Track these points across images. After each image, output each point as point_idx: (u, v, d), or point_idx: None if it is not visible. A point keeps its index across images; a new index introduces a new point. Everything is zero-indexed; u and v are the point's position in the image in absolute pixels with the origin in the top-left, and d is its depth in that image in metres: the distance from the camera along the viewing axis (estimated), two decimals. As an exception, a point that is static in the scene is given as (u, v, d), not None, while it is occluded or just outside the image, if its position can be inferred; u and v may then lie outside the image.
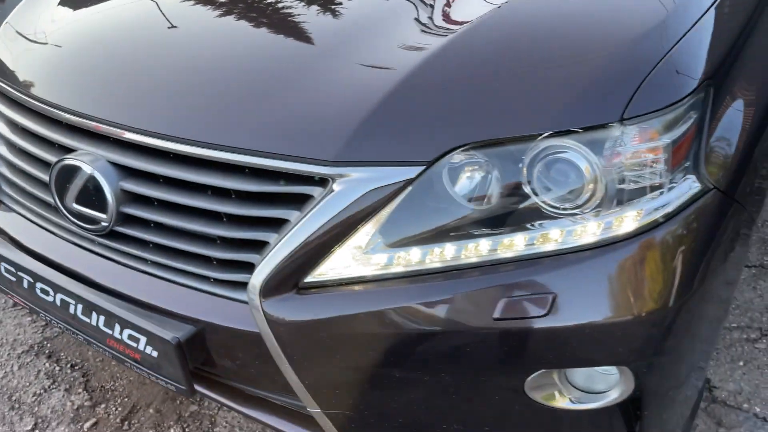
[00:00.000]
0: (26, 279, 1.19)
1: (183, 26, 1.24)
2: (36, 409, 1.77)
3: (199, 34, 1.19)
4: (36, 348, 1.98)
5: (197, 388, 1.14)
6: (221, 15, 1.23)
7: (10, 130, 1.28)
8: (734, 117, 1.03)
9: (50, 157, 1.15)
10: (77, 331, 1.17)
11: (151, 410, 1.77)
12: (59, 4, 1.46)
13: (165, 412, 1.76)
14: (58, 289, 1.14)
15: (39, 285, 1.17)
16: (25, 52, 1.34)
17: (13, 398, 1.81)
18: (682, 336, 0.98)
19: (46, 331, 2.04)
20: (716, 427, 1.69)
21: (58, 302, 1.16)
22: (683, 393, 1.14)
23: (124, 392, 1.83)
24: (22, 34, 1.40)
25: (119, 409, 1.77)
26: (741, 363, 1.89)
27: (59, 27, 1.37)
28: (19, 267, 1.19)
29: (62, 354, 1.96)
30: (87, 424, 1.73)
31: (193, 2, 1.30)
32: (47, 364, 1.92)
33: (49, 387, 1.84)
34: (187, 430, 1.70)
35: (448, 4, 1.13)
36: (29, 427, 1.72)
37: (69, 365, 1.92)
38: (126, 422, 1.74)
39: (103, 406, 1.79)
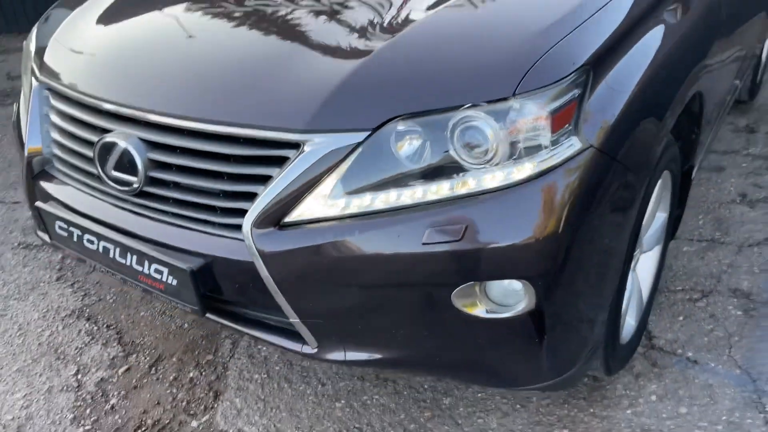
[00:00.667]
0: (76, 232, 1.53)
1: (191, 34, 1.58)
2: (78, 359, 2.12)
3: (202, 41, 1.54)
4: (77, 312, 2.33)
5: (208, 316, 1.47)
6: (220, 26, 1.58)
7: (61, 119, 1.63)
8: (618, 88, 1.34)
9: (93, 137, 1.50)
10: (115, 272, 1.51)
11: (174, 359, 2.10)
12: (95, 22, 1.81)
13: (186, 360, 2.09)
14: (100, 237, 1.48)
15: (86, 236, 1.51)
16: (70, 59, 1.69)
17: (59, 351, 2.15)
18: (569, 261, 1.28)
19: (85, 299, 2.40)
20: (651, 368, 1.98)
21: (100, 249, 1.50)
22: (584, 323, 1.43)
23: (151, 345, 2.16)
24: (67, 45, 1.75)
25: (147, 358, 2.11)
26: (681, 318, 2.18)
27: (95, 38, 1.72)
28: (70, 223, 1.53)
29: (99, 317, 2.31)
30: (121, 370, 2.07)
31: (196, 16, 1.65)
32: (86, 325, 2.27)
33: (88, 342, 2.19)
34: (203, 373, 2.04)
35: (394, 15, 1.46)
36: (72, 372, 2.06)
37: (105, 325, 2.27)
38: (153, 368, 2.07)
39: (134, 356, 2.12)
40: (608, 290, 1.48)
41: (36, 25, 1.99)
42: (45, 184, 1.67)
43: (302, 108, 1.27)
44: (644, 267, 2.02)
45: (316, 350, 1.38)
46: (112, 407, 1.93)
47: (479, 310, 1.29)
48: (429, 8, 1.46)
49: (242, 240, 1.31)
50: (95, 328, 2.25)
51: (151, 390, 1.98)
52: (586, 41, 1.33)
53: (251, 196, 1.31)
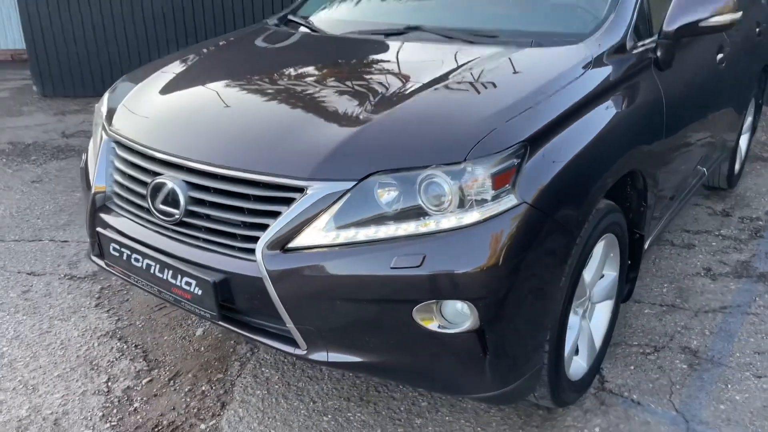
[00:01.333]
0: (126, 252, 1.94)
1: (226, 103, 2.05)
2: (109, 370, 2.48)
3: (234, 108, 2.00)
4: (110, 333, 2.71)
5: (221, 323, 1.84)
6: (249, 98, 2.05)
7: (122, 164, 2.07)
8: (551, 160, 1.74)
9: (147, 179, 1.93)
10: (153, 285, 1.90)
11: (189, 375, 2.46)
12: (154, 93, 2.29)
13: (199, 376, 2.44)
14: (145, 256, 1.88)
15: (134, 255, 1.92)
16: (134, 120, 2.15)
17: (93, 363, 2.52)
18: (506, 291, 1.64)
19: (118, 323, 2.78)
20: (599, 405, 2.28)
21: (144, 266, 1.90)
22: (523, 347, 1.77)
23: (172, 363, 2.52)
24: (132, 110, 2.22)
25: (167, 373, 2.47)
26: (632, 367, 2.48)
27: (153, 105, 2.19)
28: (122, 245, 1.94)
29: (129, 338, 2.68)
30: (144, 381, 2.42)
31: (232, 91, 2.12)
32: (118, 344, 2.64)
33: (118, 357, 2.56)
34: (213, 387, 2.38)
35: (381, 97, 1.91)
36: (104, 380, 2.42)
37: (133, 345, 2.64)
38: (171, 381, 2.42)
39: (156, 371, 2.48)
40: (544, 324, 1.82)
41: (106, 93, 2.48)
42: (104, 216, 2.09)
43: (307, 161, 1.69)
44: (597, 318, 2.35)
45: (305, 352, 1.73)
46: (135, 409, 2.28)
47: (433, 325, 1.64)
48: (409, 93, 1.90)
49: (255, 261, 1.70)
50: (125, 346, 2.63)
51: (169, 398, 2.33)
52: (527, 123, 1.74)
53: (264, 227, 1.71)
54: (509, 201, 1.65)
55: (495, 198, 1.64)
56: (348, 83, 2.07)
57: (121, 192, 2.06)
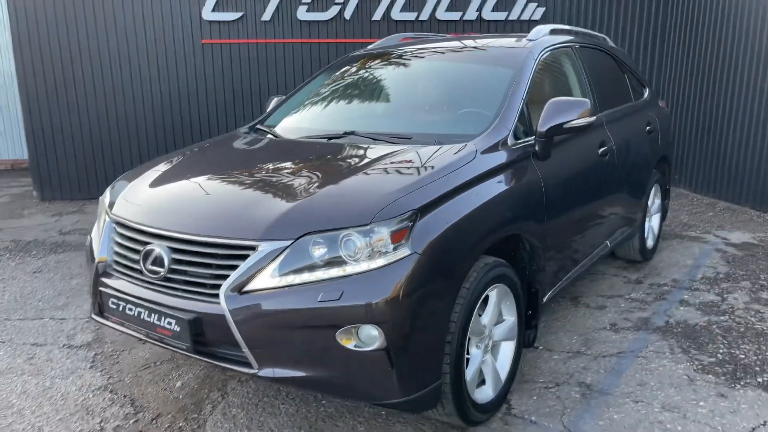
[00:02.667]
0: (122, 304, 2.52)
1: (198, 190, 2.72)
2: (102, 414, 2.98)
3: (203, 191, 2.67)
4: (103, 387, 3.22)
5: (193, 354, 2.40)
6: (213, 184, 2.73)
7: (120, 239, 2.70)
8: (437, 223, 2.39)
9: (139, 247, 2.55)
10: (142, 328, 2.47)
11: (169, 416, 2.96)
12: (145, 187, 2.95)
13: (177, 416, 2.94)
14: (137, 305, 2.46)
15: (128, 306, 2.50)
16: (129, 206, 2.80)
17: (89, 409, 3.02)
18: (403, 319, 2.23)
19: (109, 379, 3.29)
20: (503, 425, 2.80)
21: (135, 313, 2.48)
22: (423, 366, 2.34)
23: (154, 408, 3.03)
24: (128, 199, 2.87)
25: (151, 415, 2.97)
26: (534, 397, 3.03)
27: (143, 195, 2.84)
28: (119, 299, 2.53)
29: (119, 390, 3.19)
30: (131, 421, 2.92)
31: (202, 179, 2.80)
32: (109, 395, 3.15)
33: (110, 404, 3.06)
34: (189, 424, 2.88)
35: (312, 181, 2.59)
36: (98, 421, 2.91)
37: (122, 395, 3.14)
38: (154, 420, 2.92)
39: (141, 413, 2.98)
40: (440, 346, 2.40)
41: (107, 189, 3.14)
42: (105, 279, 2.69)
43: (257, 227, 2.32)
44: (502, 354, 2.92)
45: (256, 371, 2.29)
46: (124, 442, 2.77)
47: (351, 344, 2.22)
48: (336, 177, 2.59)
49: (219, 302, 2.29)
50: (115, 397, 3.13)
51: (152, 433, 2.83)
52: (419, 197, 2.39)
53: (226, 277, 2.32)
54: (405, 251, 2.28)
55: (394, 249, 2.27)
56: (294, 172, 2.77)
57: (119, 260, 2.67)
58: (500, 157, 2.89)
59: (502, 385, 2.89)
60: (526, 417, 2.87)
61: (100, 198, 3.14)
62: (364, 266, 2.25)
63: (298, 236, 2.29)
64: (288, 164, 2.94)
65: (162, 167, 3.10)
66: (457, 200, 2.54)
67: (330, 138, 3.18)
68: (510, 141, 2.99)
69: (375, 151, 2.89)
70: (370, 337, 2.24)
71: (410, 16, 7.56)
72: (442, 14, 7.60)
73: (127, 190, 2.91)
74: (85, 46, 7.31)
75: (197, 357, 2.42)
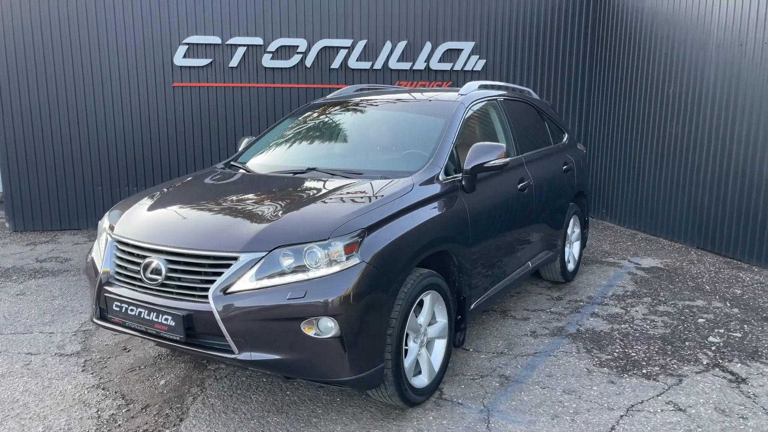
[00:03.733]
0: (124, 306, 3.10)
1: (188, 212, 3.34)
2: (98, 405, 3.50)
3: (191, 213, 3.30)
4: (95, 385, 3.74)
5: (186, 344, 2.99)
6: (201, 208, 3.36)
7: (121, 253, 3.28)
8: (380, 239, 3.06)
9: (139, 260, 3.14)
10: (142, 324, 3.05)
11: (156, 406, 3.50)
12: (142, 211, 3.54)
13: (163, 406, 3.49)
14: (138, 306, 3.04)
15: (130, 307, 3.08)
16: (129, 227, 3.39)
17: (85, 402, 3.54)
18: (354, 313, 2.87)
19: (100, 380, 3.81)
20: (435, 406, 3.44)
21: (136, 313, 3.06)
22: (369, 351, 2.97)
23: (143, 400, 3.56)
24: (127, 222, 3.46)
25: (140, 405, 3.50)
26: (462, 386, 3.68)
27: (141, 218, 3.44)
28: (122, 301, 3.11)
29: (110, 388, 3.71)
30: (124, 410, 3.45)
31: (192, 203, 3.42)
32: (102, 392, 3.67)
33: (104, 398, 3.58)
34: (174, 411, 3.43)
35: (285, 204, 3.24)
36: (95, 411, 3.44)
37: (114, 392, 3.67)
38: (144, 409, 3.46)
39: (132, 404, 3.51)
40: (383, 337, 3.05)
41: (105, 215, 3.71)
42: (108, 288, 3.26)
43: (239, 242, 2.95)
44: (436, 350, 3.57)
45: (236, 355, 2.89)
46: (119, 425, 3.30)
47: (312, 333, 2.86)
48: (300, 204, 3.25)
49: (208, 301, 2.90)
50: (108, 393, 3.66)
51: (142, 418, 3.37)
52: (366, 218, 3.06)
53: (213, 281, 2.94)
54: (355, 260, 2.95)
55: (347, 259, 2.93)
56: (265, 199, 3.42)
57: (120, 271, 3.26)
58: (434, 189, 3.60)
59: (436, 374, 3.53)
60: (454, 400, 3.52)
61: (99, 222, 3.71)
62: (323, 272, 2.90)
63: (271, 249, 2.93)
64: (260, 193, 3.59)
65: (154, 196, 3.71)
66: (398, 222, 3.22)
67: (295, 173, 3.85)
68: (441, 176, 3.71)
69: (332, 183, 3.58)
70: (327, 327, 2.88)
71: (365, 65, 8.36)
72: (394, 64, 8.43)
73: (126, 215, 3.51)
74: (62, 84, 7.84)
75: (186, 347, 3.00)
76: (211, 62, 8.07)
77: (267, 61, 8.17)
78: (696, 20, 7.07)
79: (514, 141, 4.69)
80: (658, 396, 3.55)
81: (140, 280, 3.14)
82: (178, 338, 2.98)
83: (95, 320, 3.36)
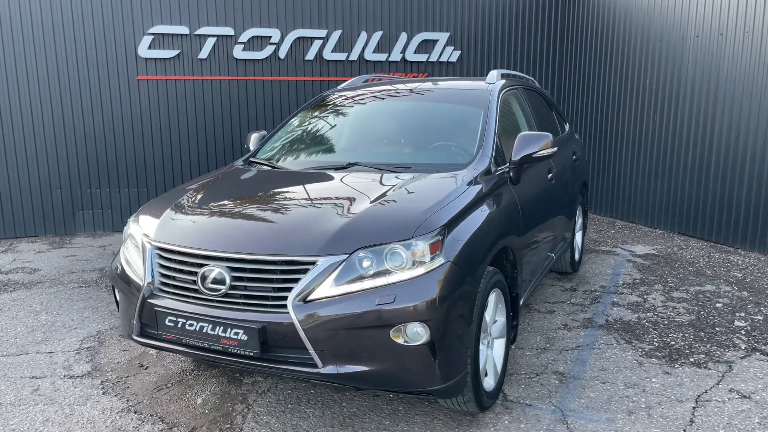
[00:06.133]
0: (181, 321, 2.77)
1: (247, 212, 3.03)
2: (138, 431, 3.15)
3: (254, 215, 2.99)
4: (126, 409, 3.36)
5: (260, 359, 2.69)
6: (260, 208, 3.05)
7: (166, 262, 2.94)
8: (460, 236, 2.87)
9: (194, 269, 2.81)
10: (204, 340, 2.73)
11: (204, 428, 3.18)
12: (185, 214, 3.19)
13: (212, 428, 3.17)
14: (199, 320, 2.72)
15: (188, 322, 2.75)
16: (172, 233, 3.03)
17: (120, 429, 3.17)
18: (443, 316, 2.67)
19: (128, 402, 3.43)
20: (504, 409, 3.29)
21: (197, 328, 2.73)
22: (456, 355, 2.78)
23: (186, 422, 3.23)
24: (166, 228, 3.09)
25: (186, 428, 3.17)
26: (523, 386, 3.55)
27: (185, 222, 3.10)
28: (178, 315, 2.77)
29: (143, 411, 3.35)
30: (168, 435, 3.12)
31: (249, 201, 3.11)
32: (136, 415, 3.30)
33: (141, 423, 3.22)
34: (227, 432, 3.13)
35: (356, 203, 3.00)
36: (136, 438, 3.09)
37: (149, 414, 3.31)
38: (191, 433, 3.14)
39: (176, 428, 3.17)
40: (467, 340, 2.86)
41: (131, 220, 3.34)
42: (153, 301, 2.91)
43: (316, 245, 2.69)
44: (497, 350, 3.42)
45: (320, 369, 2.63)
46: (170, 453, 2.97)
47: (401, 340, 2.63)
48: (373, 200, 3.01)
49: (287, 311, 2.62)
50: (142, 416, 3.30)
51: (193, 444, 3.05)
52: (444, 215, 2.87)
53: (289, 289, 2.66)
54: (440, 260, 2.74)
55: (432, 259, 2.72)
56: (323, 198, 3.16)
57: (168, 281, 2.92)
58: (490, 181, 3.44)
59: (499, 376, 3.38)
60: (521, 401, 3.38)
61: (125, 229, 3.34)
62: (408, 274, 2.68)
63: (352, 251, 2.69)
64: (312, 191, 3.31)
65: (188, 198, 3.36)
66: (470, 218, 3.04)
67: (337, 168, 3.59)
68: (492, 168, 3.55)
69: (387, 178, 3.35)
70: (416, 333, 2.66)
71: (341, 56, 8.09)
72: (370, 55, 8.20)
73: (163, 219, 3.15)
74: (12, 78, 7.16)
75: (259, 363, 2.71)
76: (178, 54, 7.59)
77: (238, 52, 7.77)
78: (674, 10, 7.21)
79: (536, 130, 4.58)
80: (717, 384, 3.53)
81: (196, 291, 2.82)
82: (251, 354, 2.69)
83: (135, 338, 3.00)
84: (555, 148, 3.78)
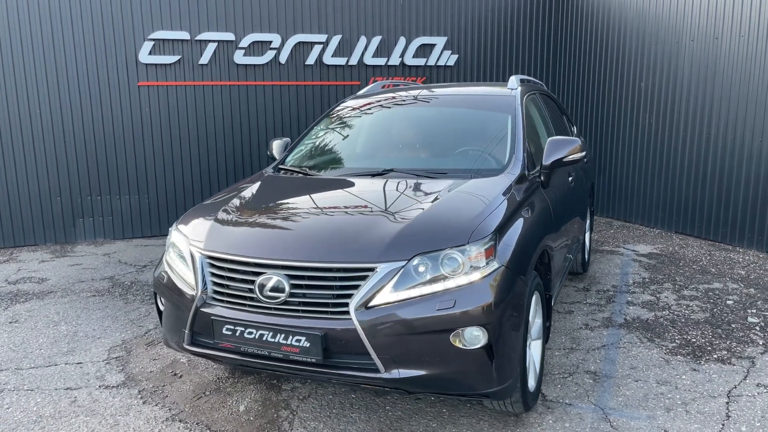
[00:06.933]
0: (239, 330, 2.79)
1: (301, 216, 3.07)
2: (186, 441, 3.15)
3: (311, 219, 3.03)
4: (170, 418, 3.36)
5: (323, 366, 2.72)
6: (317, 214, 3.09)
7: (219, 271, 2.95)
8: (509, 241, 2.94)
9: (251, 277, 2.83)
10: (264, 348, 2.75)
11: (252, 435, 3.20)
12: (234, 221, 3.21)
13: (261, 435, 3.20)
14: (258, 328, 2.74)
15: (247, 330, 2.77)
16: (225, 241, 3.03)
17: (169, 439, 3.17)
18: (499, 320, 2.73)
19: (171, 411, 3.43)
20: (546, 409, 3.37)
21: (257, 336, 2.75)
22: (510, 357, 2.85)
23: (233, 430, 3.24)
24: (217, 236, 3.11)
25: (234, 436, 3.19)
26: (559, 386, 3.63)
27: (235, 230, 3.11)
28: (236, 324, 2.79)
29: (188, 419, 3.35)
30: (219, 443, 3.13)
31: (303, 207, 3.14)
32: (181, 425, 3.30)
33: (188, 432, 3.23)
34: (277, 438, 3.15)
35: (412, 206, 3.04)
36: (187, 447, 3.09)
37: (195, 423, 3.32)
38: (241, 440, 3.15)
39: (223, 436, 3.19)
40: (520, 343, 2.93)
41: (175, 227, 3.34)
42: (206, 310, 2.92)
43: (375, 251, 2.73)
44: (535, 351, 3.49)
45: (383, 374, 2.67)
46: (224, 461, 2.98)
47: (459, 344, 2.69)
48: (422, 205, 3.06)
49: (349, 318, 2.66)
50: (188, 425, 3.30)
51: (245, 451, 3.06)
52: (493, 221, 2.94)
53: (350, 296, 2.70)
54: (494, 265, 2.81)
55: (486, 264, 2.79)
56: (370, 205, 3.20)
57: (221, 290, 2.93)
58: (526, 186, 3.52)
59: (538, 376, 3.46)
60: (561, 401, 3.46)
61: (168, 238, 3.34)
62: (465, 279, 2.74)
63: (410, 257, 2.74)
64: (357, 198, 3.36)
65: (232, 206, 3.38)
66: (516, 223, 3.11)
67: (374, 175, 3.63)
68: (526, 173, 3.63)
69: (428, 185, 3.40)
70: (474, 337, 2.72)
71: (341, 61, 8.13)
72: (369, 60, 8.25)
73: (212, 227, 3.16)
74: (11, 85, 7.06)
75: (322, 370, 2.74)
76: (179, 59, 7.55)
77: (239, 57, 7.75)
78: (669, 14, 7.39)
79: (554, 134, 4.68)
80: (744, 380, 3.66)
81: (253, 299, 2.84)
82: (314, 360, 2.72)
83: (187, 347, 3.01)
84: (584, 152, 3.87)
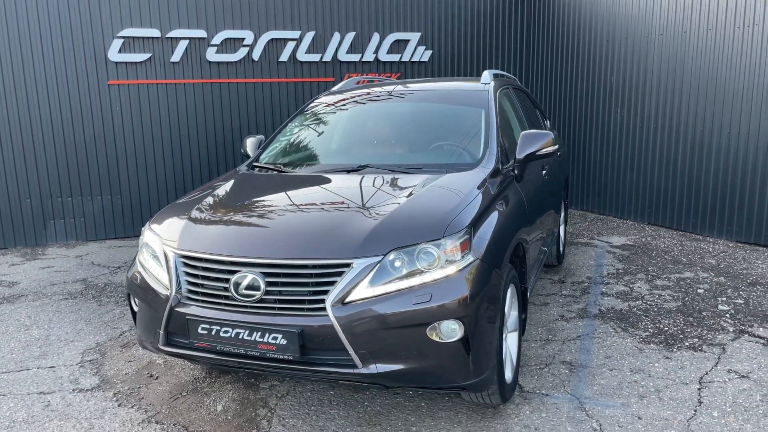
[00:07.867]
0: (215, 329, 2.76)
1: (275, 216, 3.04)
2: (163, 442, 3.12)
3: (287, 216, 3.01)
4: (146, 420, 3.32)
5: (299, 363, 2.71)
6: (290, 212, 3.07)
7: (193, 270, 2.92)
8: (484, 234, 2.96)
9: (225, 276, 2.81)
10: (240, 346, 2.73)
11: (230, 434, 3.18)
12: (208, 220, 3.18)
13: (239, 434, 3.18)
14: (234, 327, 2.72)
15: (222, 329, 2.74)
16: (197, 240, 3.01)
17: (146, 441, 3.14)
18: (475, 313, 2.75)
19: (147, 413, 3.39)
20: (523, 400, 3.40)
21: (233, 335, 2.73)
22: (487, 350, 2.87)
23: (211, 430, 3.22)
24: (191, 235, 3.07)
25: (212, 436, 3.17)
26: (536, 377, 3.66)
27: (209, 228, 3.09)
28: (211, 323, 2.76)
29: (164, 421, 3.31)
30: (196, 443, 3.10)
31: (279, 204, 3.12)
32: (158, 426, 3.27)
33: (165, 434, 3.20)
34: (256, 437, 3.13)
35: (388, 201, 3.04)
36: (164, 449, 3.06)
37: (172, 424, 3.28)
38: (219, 440, 3.13)
39: (201, 436, 3.17)
40: (496, 335, 2.95)
41: (146, 229, 3.30)
42: (181, 310, 2.89)
43: (351, 247, 2.73)
44: (511, 343, 3.52)
45: (360, 369, 2.67)
46: (202, 461, 2.96)
47: (436, 338, 2.70)
48: (397, 200, 3.06)
49: (326, 314, 2.66)
50: (165, 426, 3.27)
51: (224, 450, 3.04)
52: (468, 215, 2.95)
53: (326, 292, 2.69)
54: (470, 258, 2.82)
55: (462, 257, 2.80)
56: (346, 201, 3.19)
57: (196, 289, 2.90)
58: (499, 179, 3.54)
59: (514, 368, 3.49)
60: (537, 392, 3.49)
61: (141, 238, 3.30)
62: (441, 273, 2.75)
63: (386, 252, 2.74)
64: (332, 194, 3.35)
65: (206, 204, 3.35)
66: (490, 216, 3.13)
67: (349, 171, 3.63)
68: (500, 167, 3.66)
69: (403, 180, 3.41)
70: (451, 330, 2.74)
71: (315, 57, 8.09)
72: (343, 56, 8.23)
73: (186, 226, 3.13)
74: (-20, 88, 6.91)
75: (298, 367, 2.73)
76: (150, 57, 7.45)
77: (212, 54, 7.68)
78: (638, 8, 7.49)
79: (527, 127, 4.72)
80: (716, 366, 3.73)
81: (228, 297, 2.82)
82: (291, 357, 2.71)
83: (162, 347, 2.98)
84: (557, 146, 3.91)
